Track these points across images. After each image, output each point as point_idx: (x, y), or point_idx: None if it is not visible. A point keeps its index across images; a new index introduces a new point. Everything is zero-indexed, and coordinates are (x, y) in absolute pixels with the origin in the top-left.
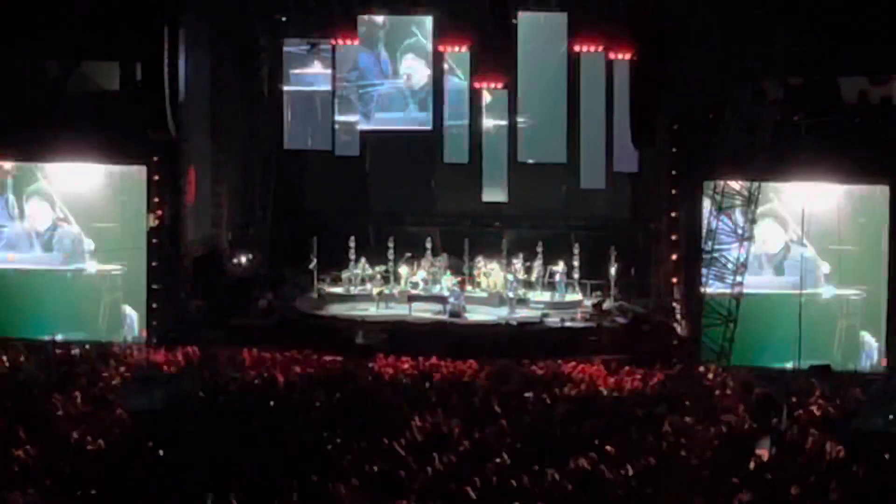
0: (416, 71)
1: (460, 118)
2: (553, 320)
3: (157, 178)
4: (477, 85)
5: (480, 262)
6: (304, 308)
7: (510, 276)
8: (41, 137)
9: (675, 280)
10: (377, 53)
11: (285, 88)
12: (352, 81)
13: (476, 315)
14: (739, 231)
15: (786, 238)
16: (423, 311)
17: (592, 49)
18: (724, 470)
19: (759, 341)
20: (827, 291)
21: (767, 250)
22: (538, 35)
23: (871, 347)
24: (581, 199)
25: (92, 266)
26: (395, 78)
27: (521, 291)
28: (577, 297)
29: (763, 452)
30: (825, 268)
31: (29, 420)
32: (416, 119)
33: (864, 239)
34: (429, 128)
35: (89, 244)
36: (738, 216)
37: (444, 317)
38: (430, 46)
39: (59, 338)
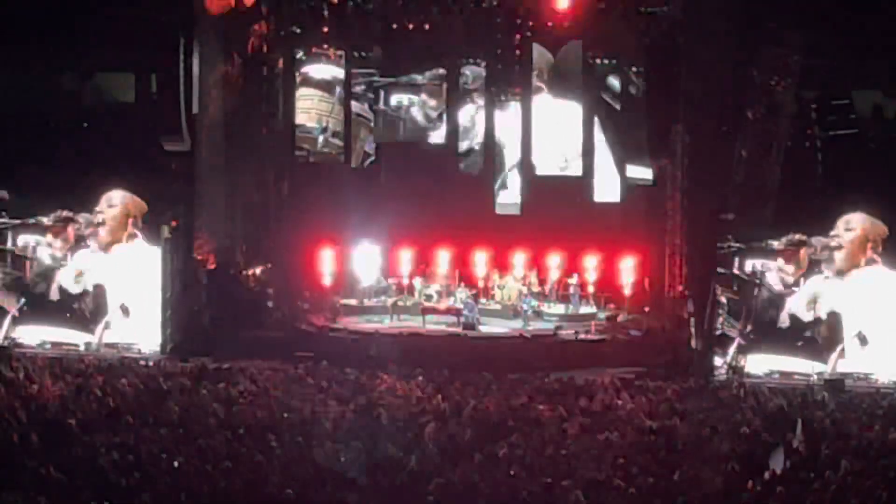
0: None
1: (474, 130)
2: (567, 333)
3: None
4: (492, 97)
5: (494, 274)
6: (317, 320)
7: (524, 289)
8: (56, 148)
9: (688, 293)
10: None
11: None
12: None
13: (490, 327)
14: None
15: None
16: (437, 324)
17: (607, 62)
18: (737, 483)
19: None
20: None
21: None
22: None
23: None
24: (595, 212)
25: None
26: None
27: (535, 304)
28: (591, 309)
29: (777, 466)
30: None
31: (43, 430)
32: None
33: None
34: (443, 140)
35: None
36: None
37: (458, 329)
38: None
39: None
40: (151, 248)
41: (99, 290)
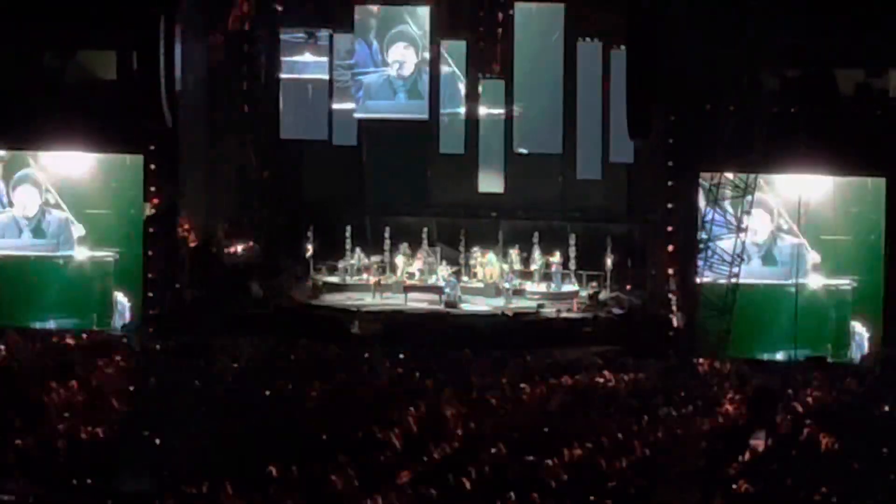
0: (405, 60)
1: (456, 108)
2: (549, 311)
3: (153, 167)
4: (473, 75)
5: (476, 252)
6: (299, 297)
7: (506, 267)
8: (37, 126)
9: (671, 271)
10: (369, 42)
11: (282, 77)
12: (348, 69)
13: (472, 306)
14: (734, 222)
15: (772, 227)
16: (419, 302)
17: (589, 39)
18: (719, 461)
19: (749, 332)
20: (816, 281)
21: (755, 239)
22: (535, 24)
23: (862, 337)
24: (577, 190)
25: (82, 252)
26: (384, 66)
27: (517, 282)
28: (574, 287)
29: (758, 444)
30: (814, 257)
31: (24, 409)
32: (405, 108)
33: (856, 228)
34: (425, 117)
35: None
36: (733, 207)
37: (440, 307)
38: (418, 34)
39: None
40: None
41: None
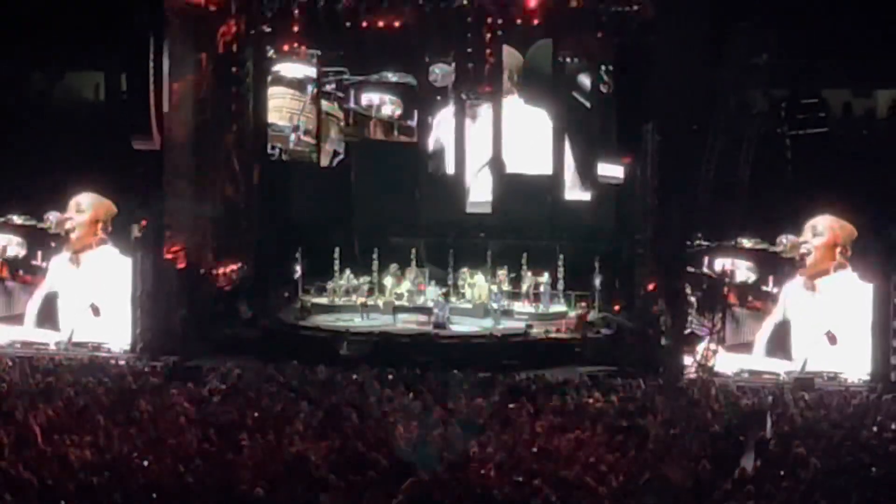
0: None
1: (445, 129)
2: (537, 331)
3: (142, 187)
4: (462, 96)
5: (465, 273)
6: (288, 319)
7: (494, 288)
8: (24, 146)
9: (659, 291)
10: None
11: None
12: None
13: (460, 326)
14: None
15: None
16: (408, 322)
17: (577, 61)
18: (708, 482)
19: None
20: None
21: None
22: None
23: None
24: (565, 210)
25: None
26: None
27: (505, 302)
28: (562, 308)
29: (748, 464)
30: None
31: (11, 430)
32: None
33: None
34: (413, 138)
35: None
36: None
37: (429, 328)
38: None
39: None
40: (120, 254)
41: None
